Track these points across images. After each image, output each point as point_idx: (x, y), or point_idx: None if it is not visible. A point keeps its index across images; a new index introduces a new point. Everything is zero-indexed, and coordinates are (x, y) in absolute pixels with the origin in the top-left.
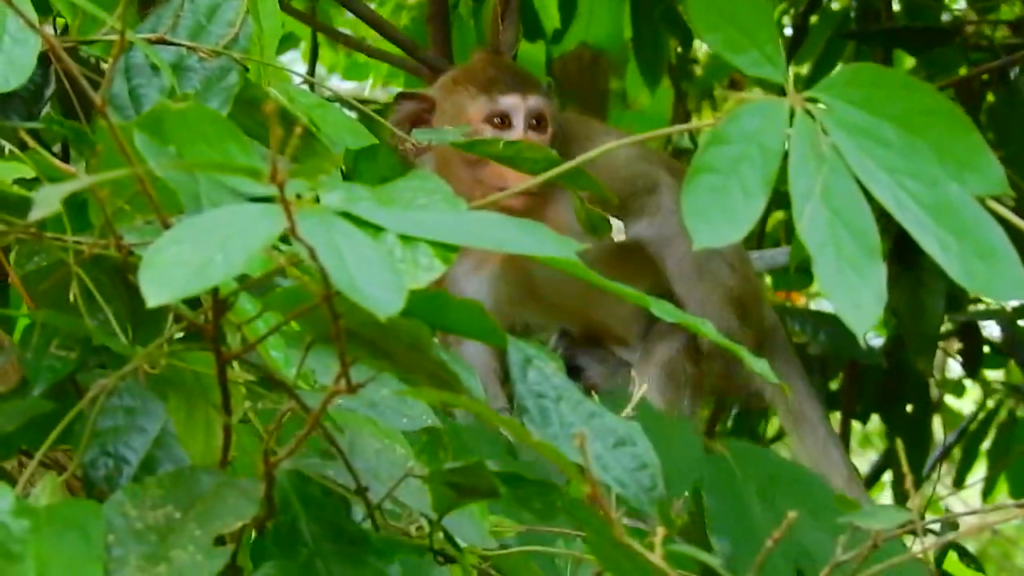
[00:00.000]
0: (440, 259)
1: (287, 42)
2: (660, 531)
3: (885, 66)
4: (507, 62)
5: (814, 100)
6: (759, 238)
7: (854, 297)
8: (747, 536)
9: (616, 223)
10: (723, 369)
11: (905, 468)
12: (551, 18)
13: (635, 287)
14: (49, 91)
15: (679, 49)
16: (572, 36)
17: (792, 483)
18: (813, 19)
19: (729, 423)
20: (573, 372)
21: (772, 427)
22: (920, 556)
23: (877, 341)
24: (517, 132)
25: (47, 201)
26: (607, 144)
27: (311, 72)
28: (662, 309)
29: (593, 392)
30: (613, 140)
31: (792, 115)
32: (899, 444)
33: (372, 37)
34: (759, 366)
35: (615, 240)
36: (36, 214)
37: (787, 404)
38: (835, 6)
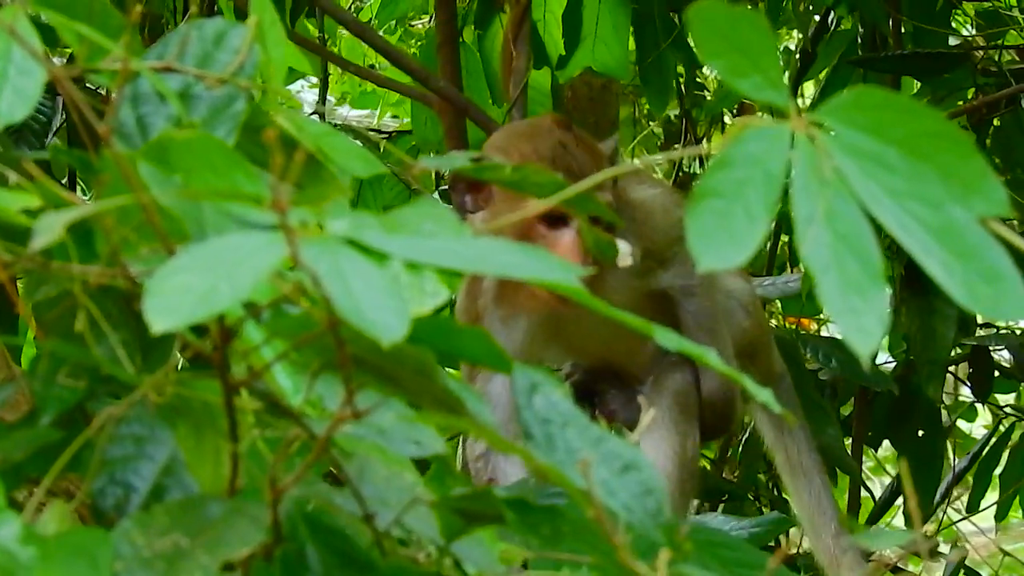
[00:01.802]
0: (446, 285)
1: (294, 72)
2: (664, 554)
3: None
4: (575, 142)
5: (818, 124)
6: (769, 263)
7: (858, 321)
8: None
9: (623, 246)
10: (718, 416)
11: (910, 490)
12: (556, 43)
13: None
14: (57, 122)
15: (684, 74)
16: (577, 62)
17: None
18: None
19: (740, 448)
20: (587, 399)
21: None
22: None
23: (890, 365)
24: (571, 231)
25: (50, 229)
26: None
27: (322, 101)
28: (666, 338)
29: (611, 418)
30: (647, 188)
31: (795, 139)
32: (904, 466)
33: (381, 65)
34: (763, 395)
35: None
36: (39, 242)
37: (786, 453)
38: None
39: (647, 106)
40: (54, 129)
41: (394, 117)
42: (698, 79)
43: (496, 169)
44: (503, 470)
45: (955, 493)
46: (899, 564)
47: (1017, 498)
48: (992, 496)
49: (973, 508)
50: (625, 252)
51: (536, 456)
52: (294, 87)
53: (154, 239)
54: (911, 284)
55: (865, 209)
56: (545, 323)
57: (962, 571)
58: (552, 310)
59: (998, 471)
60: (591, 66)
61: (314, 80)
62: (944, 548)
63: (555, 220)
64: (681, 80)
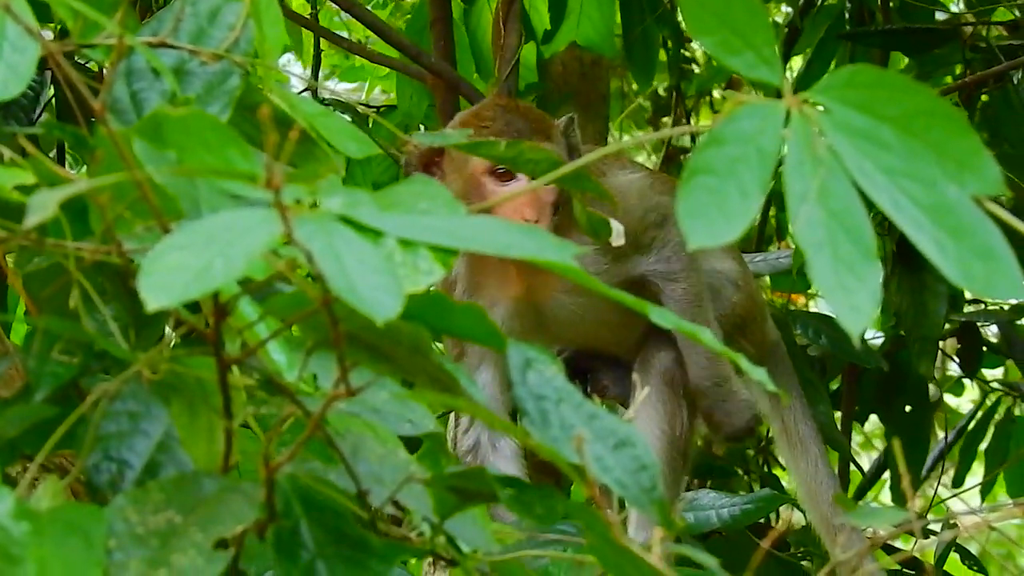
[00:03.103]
0: (440, 263)
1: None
2: (658, 532)
3: (882, 67)
4: (518, 107)
5: (811, 102)
6: (759, 239)
7: (850, 298)
8: None
9: (616, 226)
10: (710, 407)
11: (902, 468)
12: (541, 18)
13: (636, 324)
14: (46, 96)
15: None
16: (562, 36)
17: None
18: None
19: None
20: (579, 375)
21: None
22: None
23: (878, 340)
24: (520, 183)
25: (43, 206)
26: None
27: (314, 76)
28: (661, 316)
29: (604, 394)
30: (627, 173)
31: (789, 117)
32: (896, 444)
33: (372, 39)
34: (757, 374)
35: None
36: (32, 219)
37: (783, 423)
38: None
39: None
40: (43, 104)
41: (384, 92)
42: (687, 53)
43: (490, 146)
44: (492, 463)
45: (944, 467)
46: (889, 542)
47: (1002, 474)
48: (978, 469)
49: (959, 483)
50: (619, 231)
51: (531, 432)
52: (282, 60)
53: (149, 216)
54: (903, 261)
55: (858, 187)
56: (523, 311)
57: (953, 548)
58: (527, 297)
59: (984, 446)
60: (576, 40)
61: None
62: (935, 526)
63: (504, 175)
64: (669, 53)
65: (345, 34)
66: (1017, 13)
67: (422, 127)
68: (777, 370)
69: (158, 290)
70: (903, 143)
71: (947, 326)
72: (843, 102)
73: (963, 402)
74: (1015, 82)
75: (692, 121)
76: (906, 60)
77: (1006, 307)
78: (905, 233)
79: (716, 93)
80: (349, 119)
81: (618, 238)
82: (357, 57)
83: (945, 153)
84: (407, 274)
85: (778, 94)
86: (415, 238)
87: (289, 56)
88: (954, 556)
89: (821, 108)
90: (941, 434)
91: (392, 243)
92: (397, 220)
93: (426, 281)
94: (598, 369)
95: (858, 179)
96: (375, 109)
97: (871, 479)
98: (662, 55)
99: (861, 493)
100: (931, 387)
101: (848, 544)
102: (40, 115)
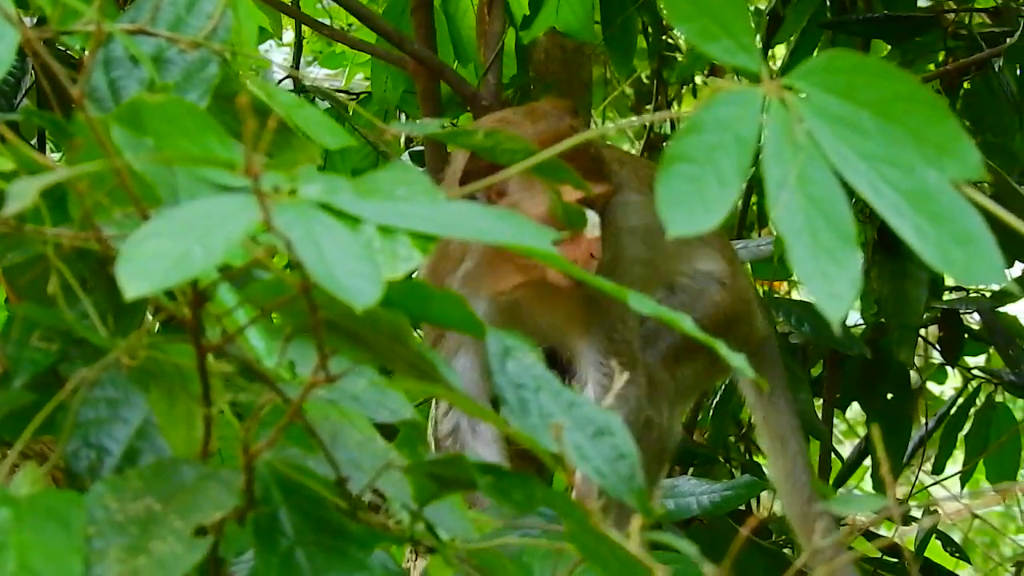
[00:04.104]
0: (419, 249)
1: (264, 32)
2: (637, 520)
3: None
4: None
5: (790, 88)
6: (740, 226)
7: (829, 285)
8: None
9: (592, 217)
10: (708, 362)
11: (882, 455)
12: (521, 4)
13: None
14: (26, 83)
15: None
16: (541, 22)
17: None
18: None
19: (710, 413)
20: (558, 363)
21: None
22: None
23: (862, 327)
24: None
25: (24, 193)
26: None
27: (295, 64)
28: (640, 303)
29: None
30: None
31: (767, 103)
32: (876, 431)
33: (356, 26)
34: (736, 360)
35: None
36: (12, 207)
37: (764, 415)
38: None
39: None
40: (23, 91)
41: (366, 79)
42: (669, 40)
43: (468, 135)
44: (472, 447)
45: (925, 454)
46: (871, 529)
47: (982, 461)
48: (959, 456)
49: (939, 470)
50: (594, 222)
51: (509, 420)
52: (262, 46)
53: (127, 203)
54: (884, 248)
55: (837, 173)
56: (504, 307)
57: (934, 536)
58: (523, 293)
59: (964, 433)
60: (555, 26)
61: (283, 40)
62: (916, 512)
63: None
64: (650, 40)
65: (328, 21)
66: (998, 0)
67: (402, 115)
68: (764, 365)
69: (137, 277)
70: (882, 128)
71: (928, 314)
72: (822, 88)
73: (946, 390)
74: (996, 69)
75: (674, 109)
76: (887, 48)
77: (988, 294)
78: (885, 219)
79: (699, 80)
80: (329, 106)
81: (593, 229)
82: (338, 44)
83: (924, 138)
84: (386, 261)
85: (757, 81)
86: (394, 224)
87: (270, 43)
88: (937, 544)
89: (799, 94)
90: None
91: (371, 230)
92: (376, 207)
93: (405, 268)
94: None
95: (837, 165)
96: (355, 96)
97: (851, 466)
98: (643, 42)
99: (841, 481)
100: (913, 375)
101: (826, 533)
102: (21, 102)
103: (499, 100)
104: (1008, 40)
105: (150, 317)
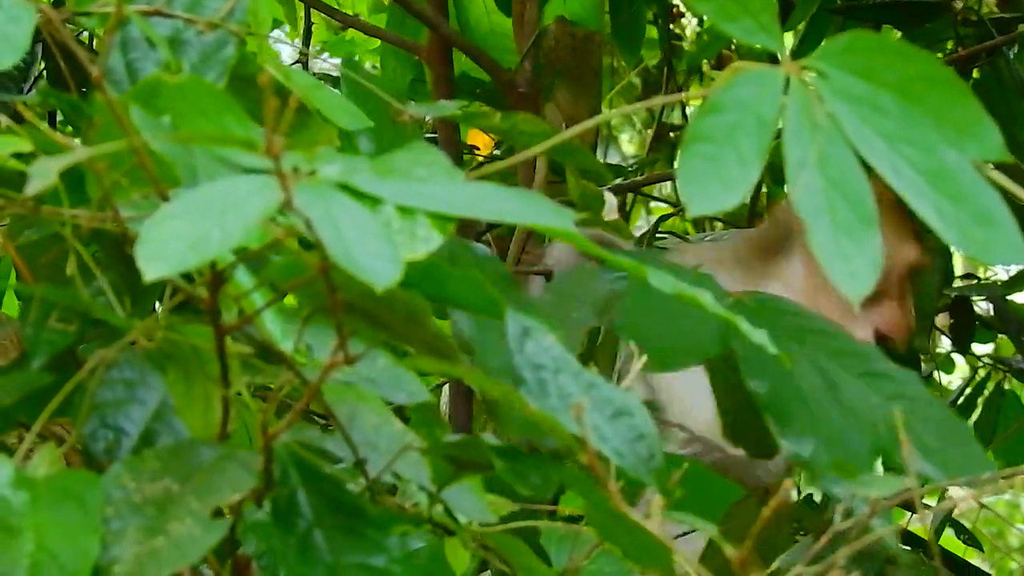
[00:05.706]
0: (438, 230)
1: (274, 24)
2: (657, 500)
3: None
4: None
5: (810, 68)
6: (751, 214)
7: (849, 265)
8: (783, 378)
9: (610, 200)
10: None
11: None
12: None
13: None
14: (36, 69)
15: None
16: (551, 9)
17: (817, 332)
18: None
19: None
20: None
21: None
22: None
23: None
24: None
25: (45, 173)
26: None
27: (305, 45)
28: (660, 280)
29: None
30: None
31: (788, 84)
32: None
33: (364, 13)
34: (757, 336)
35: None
36: (33, 186)
37: None
38: None
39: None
40: (33, 77)
41: (374, 67)
42: (676, 30)
43: (485, 116)
44: None
45: None
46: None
47: (990, 451)
48: None
49: None
50: (612, 204)
51: (529, 401)
52: (273, 34)
53: (146, 184)
54: None
55: (857, 153)
56: None
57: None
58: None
59: (972, 421)
60: (564, 14)
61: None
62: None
63: None
64: (659, 29)
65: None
66: None
67: (410, 103)
68: None
69: (155, 259)
70: (902, 109)
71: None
72: (841, 68)
73: (954, 379)
74: (1007, 57)
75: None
76: (897, 35)
77: (999, 282)
78: (904, 199)
79: (706, 68)
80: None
81: (611, 212)
82: (347, 31)
83: (944, 118)
84: (405, 241)
85: (774, 63)
86: (413, 205)
87: (278, 32)
88: (947, 531)
89: (819, 75)
90: None
91: (390, 210)
92: (395, 187)
93: (424, 248)
94: None
95: (857, 145)
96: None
97: None
98: (652, 31)
99: None
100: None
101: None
102: (31, 88)
103: (535, 87)
104: (1021, 27)
105: (168, 298)
